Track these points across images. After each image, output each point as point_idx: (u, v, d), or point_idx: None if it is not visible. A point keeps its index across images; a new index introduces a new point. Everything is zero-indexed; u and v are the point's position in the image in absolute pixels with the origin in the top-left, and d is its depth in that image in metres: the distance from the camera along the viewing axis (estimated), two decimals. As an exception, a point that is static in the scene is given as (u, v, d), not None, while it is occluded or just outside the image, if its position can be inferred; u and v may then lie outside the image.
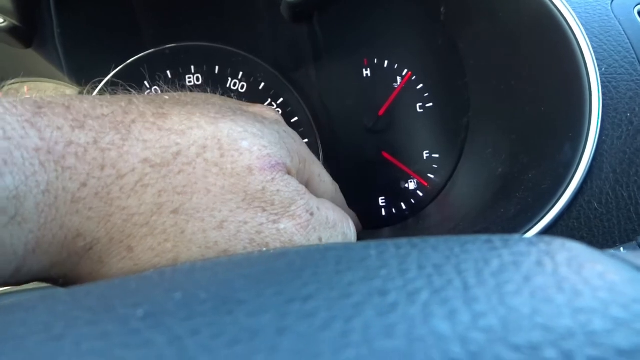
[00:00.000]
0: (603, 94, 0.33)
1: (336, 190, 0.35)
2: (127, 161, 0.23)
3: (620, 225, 0.34)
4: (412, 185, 0.45)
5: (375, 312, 0.10)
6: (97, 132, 0.22)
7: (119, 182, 0.22)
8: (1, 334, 0.11)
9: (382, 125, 0.44)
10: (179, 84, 0.32)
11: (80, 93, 0.29)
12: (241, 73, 0.42)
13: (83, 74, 0.31)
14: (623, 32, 0.34)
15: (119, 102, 0.24)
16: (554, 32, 0.34)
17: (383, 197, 0.45)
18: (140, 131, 0.23)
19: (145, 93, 0.38)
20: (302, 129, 0.43)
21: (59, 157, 0.21)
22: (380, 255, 0.13)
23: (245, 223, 0.25)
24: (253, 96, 0.43)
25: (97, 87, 0.34)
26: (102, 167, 0.22)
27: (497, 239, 0.14)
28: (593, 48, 0.33)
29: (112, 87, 0.32)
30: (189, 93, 0.29)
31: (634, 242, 0.32)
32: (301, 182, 0.31)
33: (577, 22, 0.33)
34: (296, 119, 0.44)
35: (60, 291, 0.14)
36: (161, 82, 0.40)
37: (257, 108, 0.31)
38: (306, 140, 0.43)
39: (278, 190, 0.25)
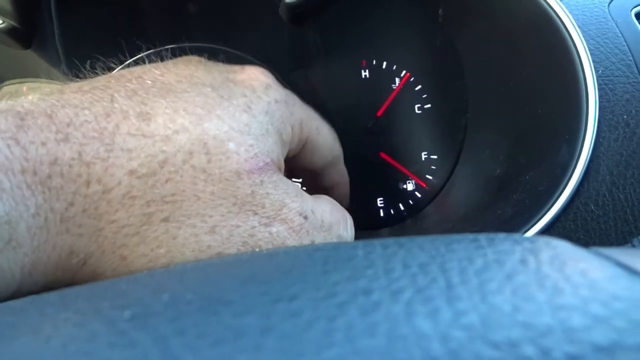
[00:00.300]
0: (600, 96, 0.33)
1: (334, 140, 0.35)
2: (113, 174, 0.22)
3: (617, 227, 0.34)
4: (410, 186, 0.45)
5: (358, 311, 0.11)
6: (81, 143, 0.22)
7: (106, 197, 0.22)
8: None
9: (381, 126, 0.45)
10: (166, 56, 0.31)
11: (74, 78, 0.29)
12: None
13: (83, 75, 0.31)
14: (620, 35, 0.35)
15: (100, 102, 0.23)
16: (551, 34, 0.34)
17: (381, 198, 0.46)
18: (124, 139, 0.23)
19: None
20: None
21: (45, 177, 0.21)
22: (367, 255, 0.13)
23: (238, 227, 0.25)
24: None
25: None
26: (88, 183, 0.22)
27: (483, 237, 0.14)
28: (590, 50, 0.33)
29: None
30: (171, 66, 0.27)
31: (629, 245, 0.32)
32: (299, 145, 0.31)
33: (573, 24, 0.33)
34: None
35: (51, 294, 0.14)
36: None
37: (246, 74, 0.29)
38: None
39: (267, 193, 0.25)
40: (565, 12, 0.33)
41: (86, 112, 0.23)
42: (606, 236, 0.34)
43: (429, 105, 0.44)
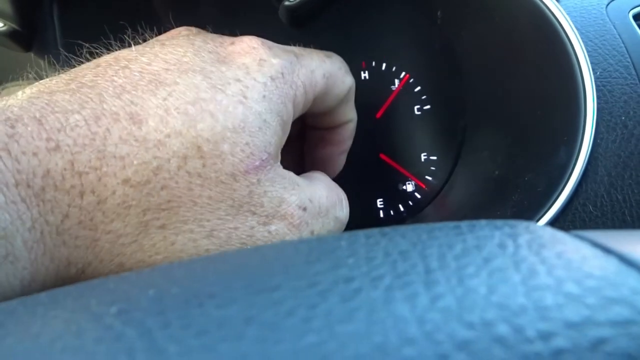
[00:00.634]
0: (598, 97, 0.33)
1: (346, 72, 0.33)
2: (107, 184, 0.22)
3: (615, 228, 0.34)
4: (409, 187, 0.45)
5: (338, 298, 0.11)
6: (73, 152, 0.21)
7: (101, 207, 0.22)
8: None
9: (380, 127, 0.45)
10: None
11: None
12: None
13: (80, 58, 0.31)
14: (618, 36, 0.35)
15: (89, 103, 0.23)
16: (549, 36, 0.34)
17: (381, 199, 0.46)
18: (116, 144, 0.22)
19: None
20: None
21: (39, 189, 0.21)
22: (350, 245, 0.13)
23: (236, 229, 0.24)
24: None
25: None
26: (82, 194, 0.21)
27: (464, 224, 0.14)
28: (588, 52, 0.33)
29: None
30: (159, 50, 0.26)
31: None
32: (305, 107, 0.29)
33: (571, 26, 0.33)
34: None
35: (41, 294, 0.14)
36: None
37: (236, 50, 0.27)
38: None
39: (265, 192, 0.25)
40: (563, 14, 0.33)
41: (76, 116, 0.22)
42: (604, 237, 0.34)
43: (428, 107, 0.44)
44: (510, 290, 0.11)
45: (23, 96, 0.23)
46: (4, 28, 0.35)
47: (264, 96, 0.25)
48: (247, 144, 0.24)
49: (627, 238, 0.14)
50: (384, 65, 0.44)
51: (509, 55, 0.38)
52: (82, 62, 0.27)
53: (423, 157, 0.45)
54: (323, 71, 0.30)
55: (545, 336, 0.09)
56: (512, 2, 0.35)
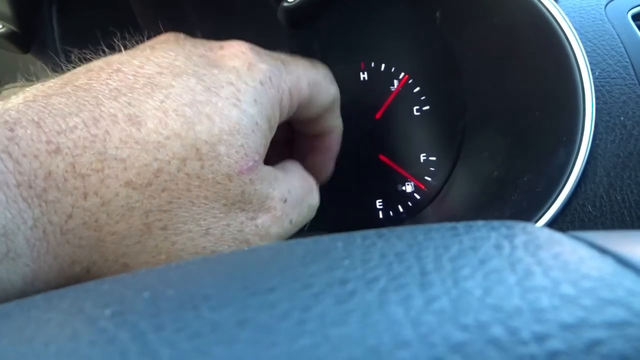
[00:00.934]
0: (596, 97, 0.33)
1: (331, 82, 0.34)
2: (109, 186, 0.22)
3: (614, 228, 0.34)
4: (409, 188, 0.45)
5: (333, 300, 0.11)
6: (74, 154, 0.22)
7: (105, 209, 0.22)
8: None
9: (380, 128, 0.45)
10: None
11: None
12: None
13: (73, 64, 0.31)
14: (617, 36, 0.35)
15: (87, 105, 0.23)
16: (548, 36, 0.34)
17: (380, 200, 0.46)
18: (116, 146, 0.22)
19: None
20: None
21: (41, 191, 0.21)
22: (346, 246, 0.13)
23: (228, 225, 0.25)
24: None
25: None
26: (85, 196, 0.22)
27: (461, 225, 0.14)
28: (587, 52, 0.33)
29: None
30: (150, 54, 0.26)
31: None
32: (290, 112, 0.30)
33: (570, 27, 0.33)
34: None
35: (36, 297, 0.14)
36: None
37: (226, 55, 0.28)
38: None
39: (255, 190, 0.26)
40: (561, 14, 0.33)
41: (75, 118, 0.22)
42: (604, 238, 0.34)
43: (427, 107, 0.44)
44: (506, 291, 0.11)
45: (18, 100, 0.23)
46: (2, 30, 0.35)
47: (255, 100, 0.26)
48: (241, 145, 0.25)
49: (624, 239, 0.14)
50: (383, 65, 0.44)
51: (507, 55, 0.38)
52: (74, 67, 0.27)
53: (422, 157, 0.45)
54: (308, 79, 0.31)
55: (540, 338, 0.09)
56: (511, 3, 0.35)
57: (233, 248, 0.25)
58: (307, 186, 0.31)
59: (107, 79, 0.24)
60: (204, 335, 0.10)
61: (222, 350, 0.10)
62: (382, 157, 0.45)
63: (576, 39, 0.33)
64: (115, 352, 0.10)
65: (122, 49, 0.28)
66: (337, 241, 0.14)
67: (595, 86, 0.33)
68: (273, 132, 0.28)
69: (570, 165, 0.33)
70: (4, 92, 0.41)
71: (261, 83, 0.27)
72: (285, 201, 0.28)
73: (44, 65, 0.39)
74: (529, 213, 0.34)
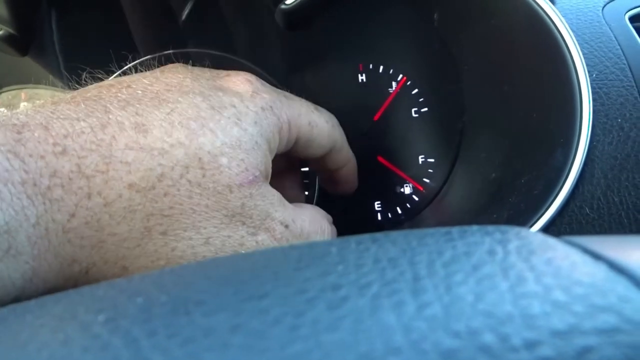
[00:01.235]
0: (594, 99, 0.33)
1: (333, 127, 0.35)
2: (113, 187, 0.23)
3: (612, 230, 0.34)
4: (407, 189, 0.45)
5: (325, 306, 0.11)
6: (80, 156, 0.22)
7: (107, 210, 0.23)
8: None
9: (378, 129, 0.45)
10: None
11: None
12: None
13: (81, 81, 0.32)
14: (614, 38, 0.35)
15: (95, 113, 0.24)
16: (545, 38, 0.34)
17: (378, 202, 0.46)
18: (122, 151, 0.23)
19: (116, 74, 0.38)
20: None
21: (45, 189, 0.21)
22: (340, 251, 0.13)
23: (229, 237, 0.26)
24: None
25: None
26: (89, 196, 0.22)
27: (455, 230, 0.14)
28: (584, 54, 0.33)
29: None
30: (159, 75, 0.28)
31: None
32: (289, 145, 0.32)
33: (567, 29, 0.33)
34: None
35: (31, 302, 0.14)
36: None
37: (231, 81, 0.30)
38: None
39: (255, 205, 0.27)
40: (559, 17, 0.33)
41: (82, 123, 0.23)
42: (601, 239, 0.34)
43: (425, 109, 0.44)
44: (498, 298, 0.11)
45: (28, 106, 0.24)
46: (0, 32, 0.35)
47: (256, 122, 0.28)
48: (242, 159, 0.26)
49: (618, 244, 0.14)
50: (381, 67, 0.44)
51: (505, 57, 0.38)
52: (76, 84, 0.29)
53: (420, 159, 0.45)
54: (309, 119, 0.32)
55: (530, 345, 0.09)
56: (509, 5, 0.35)
57: None
58: (317, 226, 0.32)
59: (116, 92, 0.26)
60: (197, 341, 0.10)
61: (214, 356, 0.10)
62: (381, 159, 0.45)
63: (573, 41, 0.33)
64: (108, 358, 0.10)
65: (134, 70, 0.30)
66: (331, 246, 0.14)
67: (593, 88, 0.33)
68: (273, 154, 0.30)
69: (568, 167, 0.33)
70: (3, 95, 0.41)
71: (262, 109, 0.28)
72: (286, 227, 0.28)
73: (42, 68, 0.39)
74: (527, 215, 0.34)
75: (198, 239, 0.25)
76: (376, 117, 0.44)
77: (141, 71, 0.30)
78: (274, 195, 0.28)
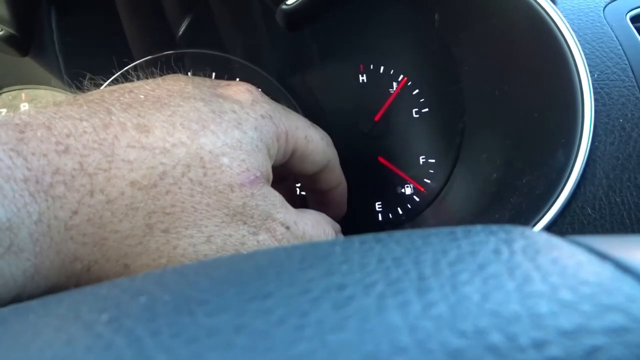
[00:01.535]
0: (595, 100, 0.33)
1: (328, 145, 0.35)
2: (115, 185, 0.23)
3: (614, 230, 0.34)
4: (408, 190, 0.45)
5: (330, 306, 0.11)
6: (82, 155, 0.22)
7: (109, 207, 0.23)
8: None
9: (379, 130, 0.45)
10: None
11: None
12: (237, 79, 0.43)
13: (81, 82, 0.32)
14: (615, 39, 0.35)
15: (97, 114, 0.24)
16: (547, 38, 0.34)
17: (379, 202, 0.46)
18: (124, 150, 0.23)
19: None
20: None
21: (48, 186, 0.21)
22: (344, 251, 0.13)
23: (230, 236, 0.26)
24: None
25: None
26: (92, 193, 0.22)
27: (459, 230, 0.14)
28: (585, 54, 0.33)
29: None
30: (161, 82, 0.29)
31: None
32: (285, 156, 0.32)
33: (569, 29, 0.33)
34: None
35: (33, 302, 0.14)
36: None
37: (232, 90, 0.30)
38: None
39: (256, 205, 0.27)
40: (560, 17, 0.33)
41: (84, 123, 0.23)
42: (603, 240, 0.33)
43: (426, 110, 0.44)
44: (504, 297, 0.10)
45: (30, 107, 0.24)
46: (1, 33, 0.35)
47: (256, 127, 0.28)
48: (243, 160, 0.26)
49: (624, 244, 0.14)
50: (382, 68, 0.44)
51: (506, 57, 0.38)
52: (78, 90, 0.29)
53: (421, 159, 0.45)
54: (305, 133, 0.33)
55: (538, 345, 0.09)
56: (510, 5, 0.35)
57: None
58: (320, 230, 0.32)
59: (119, 96, 0.26)
60: (201, 341, 0.10)
61: (218, 355, 0.10)
62: (381, 159, 0.45)
63: (575, 41, 0.33)
64: (111, 357, 0.10)
65: (134, 70, 0.30)
66: (335, 246, 0.14)
67: (594, 88, 0.33)
68: (272, 161, 0.30)
69: (570, 167, 0.33)
70: (3, 95, 0.41)
71: (262, 117, 0.29)
72: (287, 228, 0.28)
73: (42, 68, 0.39)
74: (528, 215, 0.34)
75: (199, 237, 0.25)
76: (377, 118, 0.44)
77: (142, 71, 0.30)
78: (276, 196, 0.28)
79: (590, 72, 0.33)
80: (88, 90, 0.29)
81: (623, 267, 0.12)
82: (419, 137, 0.45)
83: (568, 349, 0.09)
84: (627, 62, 0.34)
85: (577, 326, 0.10)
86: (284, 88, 0.43)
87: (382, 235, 0.14)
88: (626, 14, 0.36)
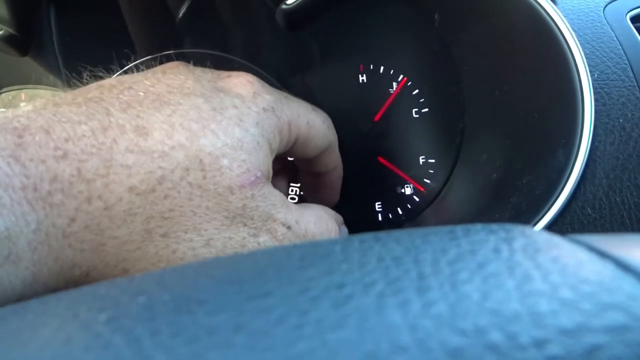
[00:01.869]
0: (595, 100, 0.33)
1: (329, 127, 0.36)
2: (113, 191, 0.23)
3: (614, 230, 0.34)
4: (408, 190, 0.45)
5: (330, 304, 0.11)
6: (80, 160, 0.22)
7: (107, 213, 0.23)
8: None
9: (378, 130, 0.45)
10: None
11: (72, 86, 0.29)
12: None
13: (81, 81, 0.32)
14: (615, 38, 0.35)
15: (96, 115, 0.24)
16: (546, 38, 0.34)
17: (379, 202, 0.46)
18: (123, 154, 0.23)
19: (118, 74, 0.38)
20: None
21: (46, 194, 0.21)
22: (343, 250, 0.13)
23: (230, 238, 0.26)
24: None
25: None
26: (89, 200, 0.22)
27: (459, 229, 0.14)
28: (585, 54, 0.33)
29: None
30: (161, 76, 0.28)
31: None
32: (288, 145, 0.32)
33: (568, 29, 0.33)
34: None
35: (32, 301, 0.14)
36: None
37: (232, 83, 0.30)
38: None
39: (257, 206, 0.26)
40: (560, 17, 0.33)
41: (83, 126, 0.23)
42: (603, 240, 0.33)
43: (426, 110, 0.44)
44: (504, 296, 0.10)
45: (29, 107, 0.23)
46: (0, 33, 0.35)
47: (257, 123, 0.28)
48: (244, 160, 0.26)
49: (624, 242, 0.14)
50: (381, 68, 0.44)
51: (506, 57, 0.38)
52: (78, 82, 0.28)
53: (421, 160, 0.45)
54: (307, 119, 0.33)
55: (539, 343, 0.09)
56: (510, 5, 0.35)
57: None
58: (323, 227, 0.32)
59: (118, 94, 0.26)
60: (200, 340, 0.10)
61: (218, 355, 0.10)
62: (381, 160, 0.45)
63: (575, 41, 0.33)
64: (110, 357, 0.10)
65: (134, 70, 0.30)
66: (334, 244, 0.14)
67: (594, 88, 0.33)
68: (274, 155, 0.30)
69: (570, 168, 0.33)
70: (3, 95, 0.41)
71: (264, 110, 0.28)
72: (289, 228, 0.28)
73: (42, 68, 0.39)
74: (529, 215, 0.34)
75: (199, 241, 0.25)
76: (377, 118, 0.44)
77: (142, 70, 0.30)
78: (276, 196, 0.28)
79: (590, 72, 0.33)
80: (88, 82, 0.29)
81: (624, 266, 0.11)
82: (419, 137, 0.45)
83: (568, 347, 0.09)
84: (627, 62, 0.34)
85: (578, 325, 0.09)
86: (284, 88, 0.43)
87: (382, 234, 0.14)
88: (626, 14, 0.36)
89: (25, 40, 0.38)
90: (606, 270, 0.11)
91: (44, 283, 0.22)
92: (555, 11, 0.33)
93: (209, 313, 0.11)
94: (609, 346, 0.09)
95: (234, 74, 0.31)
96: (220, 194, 0.25)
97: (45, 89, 0.41)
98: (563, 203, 0.33)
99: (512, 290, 0.11)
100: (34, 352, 0.11)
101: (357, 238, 0.14)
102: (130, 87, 0.26)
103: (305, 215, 0.30)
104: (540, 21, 0.34)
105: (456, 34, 0.41)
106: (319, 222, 0.31)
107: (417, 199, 0.45)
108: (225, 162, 0.25)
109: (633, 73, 0.34)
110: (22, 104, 0.24)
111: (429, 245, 0.13)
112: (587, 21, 0.35)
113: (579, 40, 0.33)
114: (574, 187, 0.33)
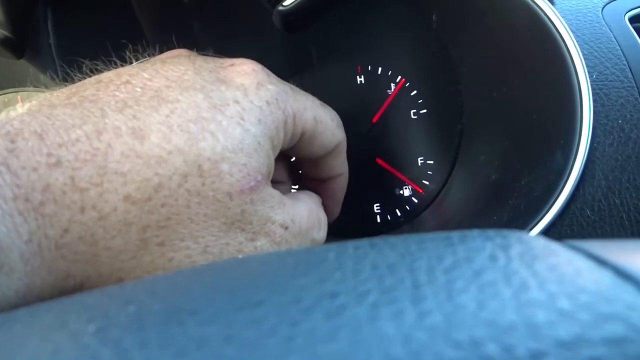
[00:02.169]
0: (594, 101, 0.33)
1: (337, 126, 0.34)
2: (108, 200, 0.22)
3: (613, 232, 0.33)
4: (406, 191, 0.45)
5: (322, 315, 0.10)
6: (74, 168, 0.21)
7: (101, 224, 0.22)
8: None
9: (377, 131, 0.44)
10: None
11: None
12: None
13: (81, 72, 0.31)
14: (614, 39, 0.34)
15: (91, 117, 0.23)
16: (545, 39, 0.34)
17: (378, 204, 0.45)
18: (118, 160, 0.22)
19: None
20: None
21: (38, 204, 0.21)
22: (337, 257, 0.13)
23: (228, 244, 0.25)
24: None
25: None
26: (83, 210, 0.21)
27: (456, 235, 0.14)
28: (584, 55, 0.33)
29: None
30: (160, 67, 0.26)
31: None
32: (293, 140, 0.30)
33: (567, 29, 0.33)
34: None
35: (20, 311, 0.14)
36: None
37: (235, 72, 0.28)
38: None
39: (255, 210, 0.26)
40: (558, 17, 0.33)
41: (78, 131, 0.22)
42: (602, 242, 0.33)
43: (424, 111, 0.44)
44: (501, 306, 0.10)
45: (23, 109, 0.22)
46: (-5, 36, 0.35)
47: (260, 120, 0.26)
48: (244, 164, 0.25)
49: (623, 249, 0.14)
50: (379, 69, 0.44)
51: (504, 58, 0.38)
52: (78, 74, 0.28)
53: (420, 161, 0.45)
54: (314, 114, 0.31)
55: (535, 356, 0.09)
56: (508, 6, 0.35)
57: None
58: (314, 219, 0.31)
59: (114, 90, 0.24)
60: (189, 353, 0.10)
61: None
62: (380, 161, 0.45)
63: (573, 42, 0.33)
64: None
65: (133, 60, 0.29)
66: (328, 252, 0.14)
67: (593, 89, 0.33)
68: (276, 153, 0.28)
69: (568, 169, 0.33)
70: (-2, 98, 0.40)
71: (267, 103, 0.27)
72: (286, 228, 0.27)
73: (38, 71, 0.38)
74: (527, 217, 0.34)
75: (196, 248, 0.24)
76: (375, 119, 0.44)
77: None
78: (274, 197, 0.27)
79: (589, 72, 0.33)
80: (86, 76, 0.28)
81: (623, 274, 0.11)
82: (418, 139, 0.44)
83: (566, 360, 0.09)
84: (625, 63, 0.34)
85: (575, 336, 0.09)
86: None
87: (377, 240, 0.14)
88: (625, 15, 0.36)
89: (21, 43, 0.37)
90: (605, 278, 0.11)
91: (38, 294, 0.21)
92: (554, 12, 0.33)
93: (199, 324, 0.11)
94: (608, 358, 0.09)
95: (238, 61, 0.29)
96: (219, 200, 0.24)
97: (42, 92, 0.40)
98: (562, 205, 0.33)
99: (509, 300, 0.10)
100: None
101: (351, 245, 0.14)
102: (128, 82, 0.25)
103: (299, 211, 0.29)
104: (538, 22, 0.34)
105: (454, 35, 0.41)
106: (311, 215, 0.31)
107: (415, 201, 0.45)
108: (225, 167, 0.24)
109: (632, 74, 0.34)
110: (18, 106, 0.23)
111: (424, 252, 0.13)
112: (585, 22, 0.35)
113: (577, 41, 0.33)
114: (572, 188, 0.33)
